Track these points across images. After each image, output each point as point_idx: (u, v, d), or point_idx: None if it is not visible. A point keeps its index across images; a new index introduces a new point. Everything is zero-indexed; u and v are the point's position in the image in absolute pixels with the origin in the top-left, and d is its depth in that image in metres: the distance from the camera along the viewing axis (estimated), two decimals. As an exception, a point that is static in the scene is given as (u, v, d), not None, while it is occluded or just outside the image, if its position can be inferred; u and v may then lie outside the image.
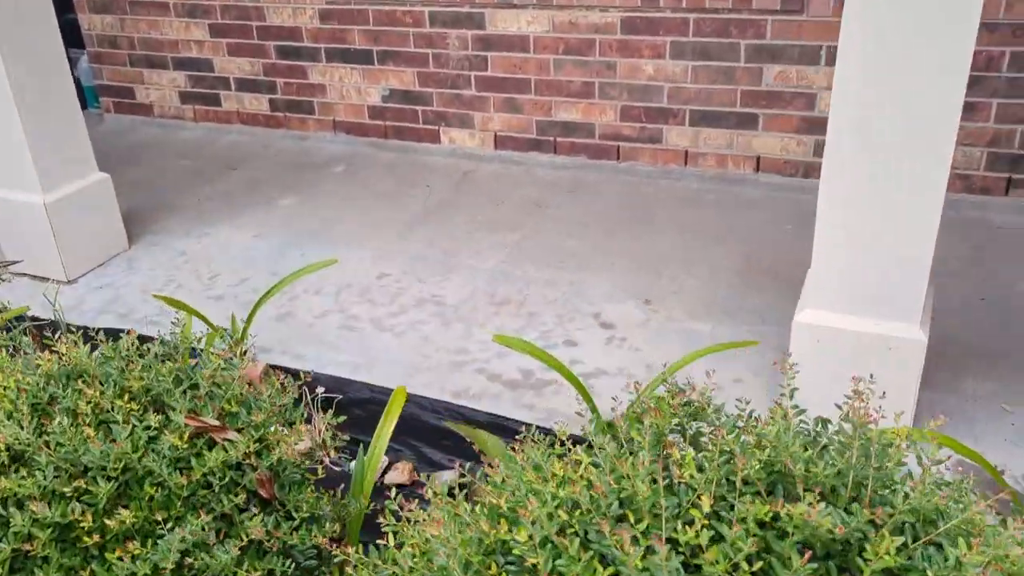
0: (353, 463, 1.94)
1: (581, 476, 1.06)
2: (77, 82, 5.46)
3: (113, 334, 2.93)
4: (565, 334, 2.93)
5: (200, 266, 3.54)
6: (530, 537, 0.95)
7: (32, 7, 3.14)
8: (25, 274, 3.47)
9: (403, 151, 4.50)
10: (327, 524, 1.44)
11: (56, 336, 2.09)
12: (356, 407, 2.60)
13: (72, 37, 5.22)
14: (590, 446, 1.17)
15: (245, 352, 2.66)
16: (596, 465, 1.10)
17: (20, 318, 2.68)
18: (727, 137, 3.81)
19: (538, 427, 2.47)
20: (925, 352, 2.14)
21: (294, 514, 1.41)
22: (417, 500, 1.19)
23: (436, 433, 2.50)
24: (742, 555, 0.91)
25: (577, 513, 1.00)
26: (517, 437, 1.29)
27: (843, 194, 2.05)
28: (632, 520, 0.97)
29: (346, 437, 1.85)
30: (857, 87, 1.93)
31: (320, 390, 2.65)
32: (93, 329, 2.99)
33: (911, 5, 1.81)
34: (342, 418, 1.92)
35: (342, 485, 1.92)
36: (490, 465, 1.20)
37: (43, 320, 2.79)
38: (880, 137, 1.95)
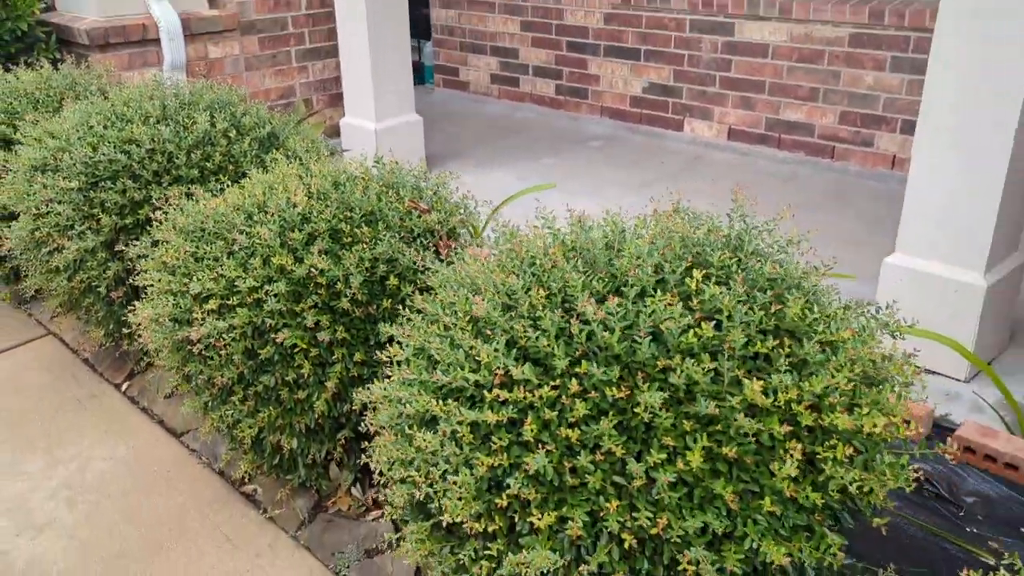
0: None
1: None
2: (420, 63, 6.99)
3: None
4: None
5: (471, 189, 4.66)
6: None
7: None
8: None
9: (651, 135, 5.32)
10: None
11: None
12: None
13: (424, 28, 6.73)
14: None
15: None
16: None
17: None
18: (933, 146, 4.15)
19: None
20: (984, 295, 2.56)
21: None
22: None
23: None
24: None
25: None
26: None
27: (927, 174, 2.57)
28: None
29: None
30: (949, 93, 2.46)
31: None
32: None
33: (987, 44, 2.33)
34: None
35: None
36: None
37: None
38: (963, 138, 2.45)
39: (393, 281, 2.15)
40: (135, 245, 2.42)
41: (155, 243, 2.37)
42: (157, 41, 4.44)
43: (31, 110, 3.25)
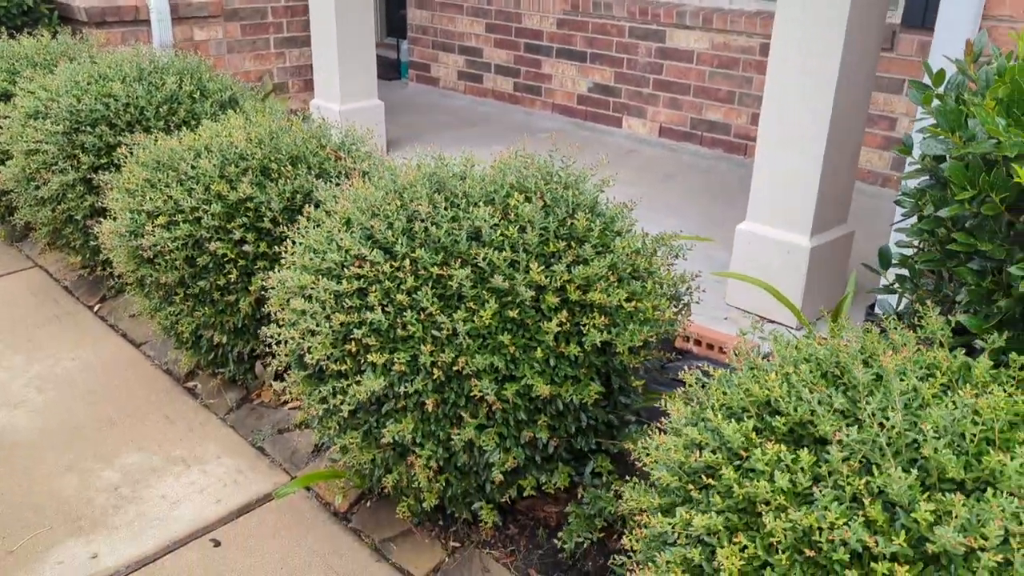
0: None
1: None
2: (399, 60, 7.55)
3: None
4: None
5: (423, 172, 5.20)
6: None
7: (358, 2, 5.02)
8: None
9: (594, 131, 5.87)
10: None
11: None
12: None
13: (402, 27, 7.29)
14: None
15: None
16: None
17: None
18: (827, 146, 4.69)
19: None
20: (809, 255, 3.09)
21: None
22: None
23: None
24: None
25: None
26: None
27: (767, 155, 3.11)
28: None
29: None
30: (779, 99, 3.00)
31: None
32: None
33: (804, 53, 2.87)
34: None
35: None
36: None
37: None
38: (791, 127, 2.99)
39: (308, 209, 2.67)
40: (107, 174, 2.95)
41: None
42: (148, 22, 4.98)
43: (29, 69, 3.78)
